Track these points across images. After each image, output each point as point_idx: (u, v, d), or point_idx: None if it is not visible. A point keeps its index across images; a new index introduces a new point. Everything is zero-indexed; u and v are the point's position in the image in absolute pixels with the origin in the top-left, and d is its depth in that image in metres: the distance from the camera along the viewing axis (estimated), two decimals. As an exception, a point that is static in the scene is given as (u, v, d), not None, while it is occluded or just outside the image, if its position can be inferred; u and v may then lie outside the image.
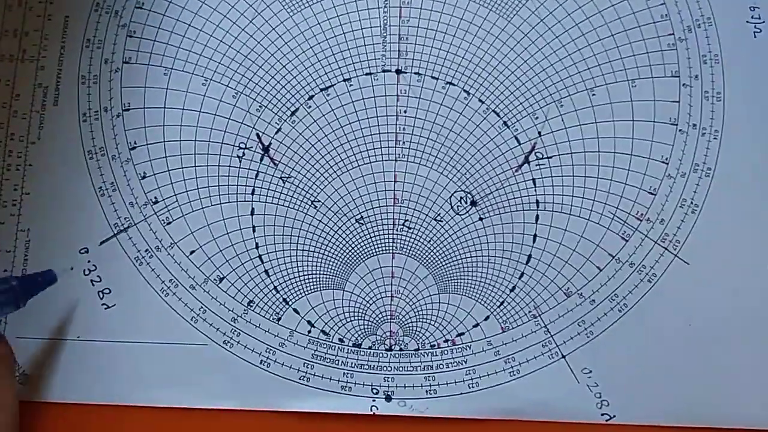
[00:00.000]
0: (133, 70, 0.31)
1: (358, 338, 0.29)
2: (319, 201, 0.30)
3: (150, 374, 0.29)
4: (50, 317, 0.29)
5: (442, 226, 0.30)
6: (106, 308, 0.29)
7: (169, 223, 0.30)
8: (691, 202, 0.30)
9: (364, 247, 0.30)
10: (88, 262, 0.30)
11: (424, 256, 0.30)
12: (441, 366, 0.29)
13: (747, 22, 0.31)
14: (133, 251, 0.30)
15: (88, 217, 0.30)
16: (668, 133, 0.30)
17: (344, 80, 0.31)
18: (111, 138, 0.31)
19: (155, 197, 0.30)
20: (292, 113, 0.31)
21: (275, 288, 0.30)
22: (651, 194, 0.30)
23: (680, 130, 0.30)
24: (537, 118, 0.31)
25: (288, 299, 0.30)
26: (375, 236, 0.30)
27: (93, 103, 0.31)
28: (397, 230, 0.30)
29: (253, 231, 0.30)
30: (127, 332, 0.29)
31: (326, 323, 0.29)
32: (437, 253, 0.30)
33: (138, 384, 0.29)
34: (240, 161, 0.30)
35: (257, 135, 0.31)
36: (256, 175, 0.30)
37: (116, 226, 0.30)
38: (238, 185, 0.30)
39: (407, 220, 0.30)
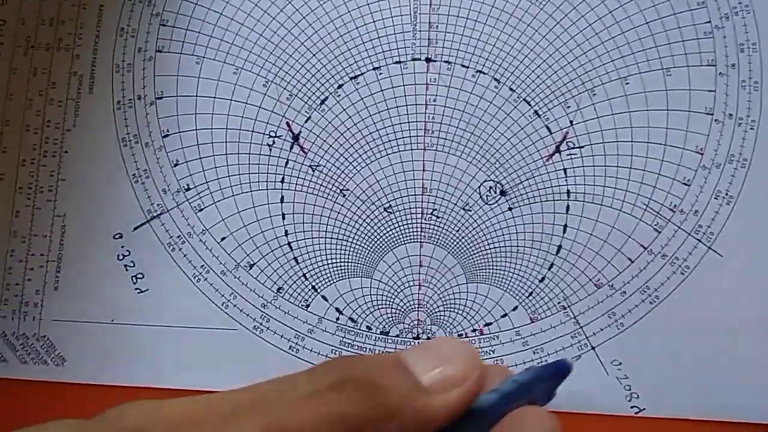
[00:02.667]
0: (166, 59, 0.32)
1: (386, 326, 0.30)
2: (347, 189, 0.30)
3: (181, 357, 0.29)
4: (85, 300, 0.30)
5: (471, 216, 0.30)
6: (139, 292, 0.30)
7: (200, 210, 0.31)
8: (726, 194, 0.29)
9: (392, 236, 0.30)
10: (122, 247, 0.30)
11: (453, 246, 0.30)
12: (469, 355, 0.29)
13: (787, 9, 0.30)
14: (166, 237, 0.30)
15: (121, 203, 0.31)
16: (703, 122, 0.30)
17: (374, 69, 0.31)
18: (144, 126, 0.31)
19: (187, 184, 0.31)
20: (322, 102, 0.31)
21: (304, 275, 0.30)
22: (685, 185, 0.29)
23: (716, 120, 0.30)
24: (569, 107, 0.30)
25: (317, 286, 0.30)
26: (403, 225, 0.30)
27: (127, 91, 0.32)
28: (425, 219, 0.30)
29: (283, 219, 0.30)
30: (160, 316, 0.30)
31: (354, 311, 0.30)
32: (466, 243, 0.30)
33: (169, 367, 0.29)
34: (270, 149, 0.31)
35: (287, 123, 0.31)
36: (286, 164, 0.31)
37: (149, 213, 0.31)
38: (268, 173, 0.31)
39: (436, 210, 0.30)
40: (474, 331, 0.29)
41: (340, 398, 0.16)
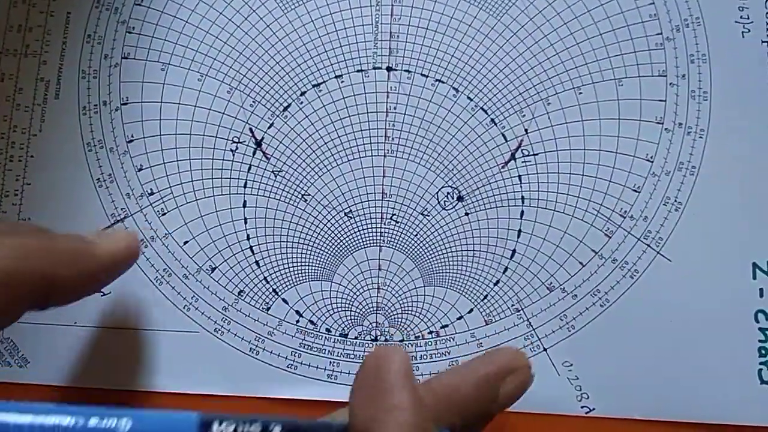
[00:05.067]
0: (132, 66, 0.32)
1: (345, 328, 0.30)
2: (309, 194, 0.31)
3: (143, 360, 0.30)
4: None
5: (429, 221, 0.31)
6: (102, 295, 0.30)
7: (164, 214, 0.31)
8: (675, 200, 0.30)
9: (352, 240, 0.31)
10: (86, 250, 0.31)
11: (411, 250, 0.31)
12: (425, 356, 0.30)
13: (735, 21, 0.31)
14: (129, 241, 0.31)
15: (86, 207, 0.31)
16: (654, 131, 0.31)
17: (336, 77, 0.32)
18: (109, 131, 0.32)
19: (151, 189, 0.31)
20: (285, 108, 0.32)
21: (265, 278, 0.31)
22: (635, 192, 0.30)
23: (666, 129, 0.31)
24: (524, 115, 0.31)
25: (277, 289, 0.31)
26: (363, 229, 0.31)
27: (93, 97, 0.32)
28: (384, 224, 0.31)
29: (245, 223, 0.31)
30: (122, 319, 0.30)
31: (314, 313, 0.30)
32: (423, 247, 0.31)
33: (132, 369, 0.30)
34: (233, 155, 0.31)
35: (250, 129, 0.32)
36: (249, 169, 0.31)
37: (113, 217, 0.31)
38: (231, 178, 0.31)
39: (395, 215, 0.31)
40: (431, 333, 0.30)
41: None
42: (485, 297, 0.30)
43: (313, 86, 0.32)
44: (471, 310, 0.30)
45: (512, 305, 0.30)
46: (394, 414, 0.18)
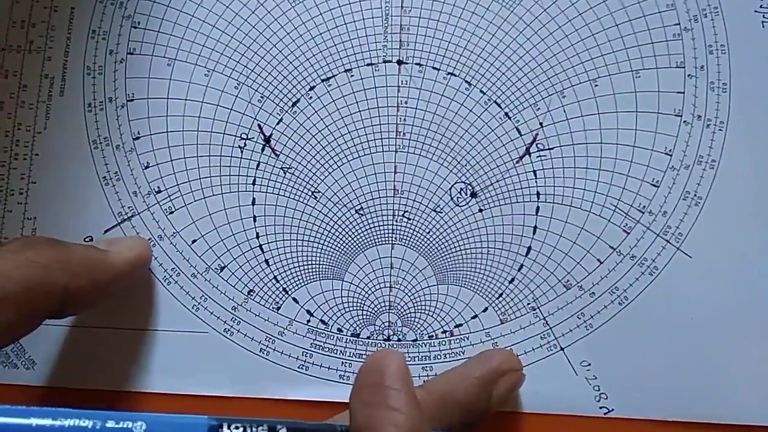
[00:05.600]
0: (138, 61, 0.31)
1: (357, 328, 0.30)
2: (319, 192, 0.30)
3: (151, 361, 0.29)
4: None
5: (442, 218, 0.30)
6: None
7: (171, 213, 0.30)
8: (695, 195, 0.29)
9: (363, 238, 0.30)
10: (93, 250, 0.30)
11: (424, 247, 0.30)
12: (438, 357, 0.29)
13: (755, 11, 0.31)
14: (136, 240, 0.30)
15: (92, 206, 0.30)
16: (672, 124, 0.30)
17: (345, 71, 0.31)
18: (115, 128, 0.31)
19: (158, 187, 0.31)
20: (294, 104, 0.31)
21: (275, 277, 0.30)
22: (654, 186, 0.30)
23: (684, 122, 0.30)
24: (539, 109, 0.30)
25: (288, 289, 0.30)
26: (374, 227, 0.30)
27: (98, 93, 0.31)
28: (396, 221, 0.30)
29: (254, 221, 0.30)
30: (130, 320, 0.29)
31: (325, 313, 0.30)
32: (436, 245, 0.30)
33: (141, 370, 0.29)
34: (241, 152, 0.31)
35: (259, 126, 0.31)
36: (257, 166, 0.31)
37: (120, 215, 0.31)
38: (239, 175, 0.31)
39: (407, 211, 0.30)
40: (444, 332, 0.29)
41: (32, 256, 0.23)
42: (500, 295, 0.29)
43: (323, 81, 0.31)
44: (485, 309, 0.29)
45: (528, 303, 0.29)
46: (392, 415, 0.19)
